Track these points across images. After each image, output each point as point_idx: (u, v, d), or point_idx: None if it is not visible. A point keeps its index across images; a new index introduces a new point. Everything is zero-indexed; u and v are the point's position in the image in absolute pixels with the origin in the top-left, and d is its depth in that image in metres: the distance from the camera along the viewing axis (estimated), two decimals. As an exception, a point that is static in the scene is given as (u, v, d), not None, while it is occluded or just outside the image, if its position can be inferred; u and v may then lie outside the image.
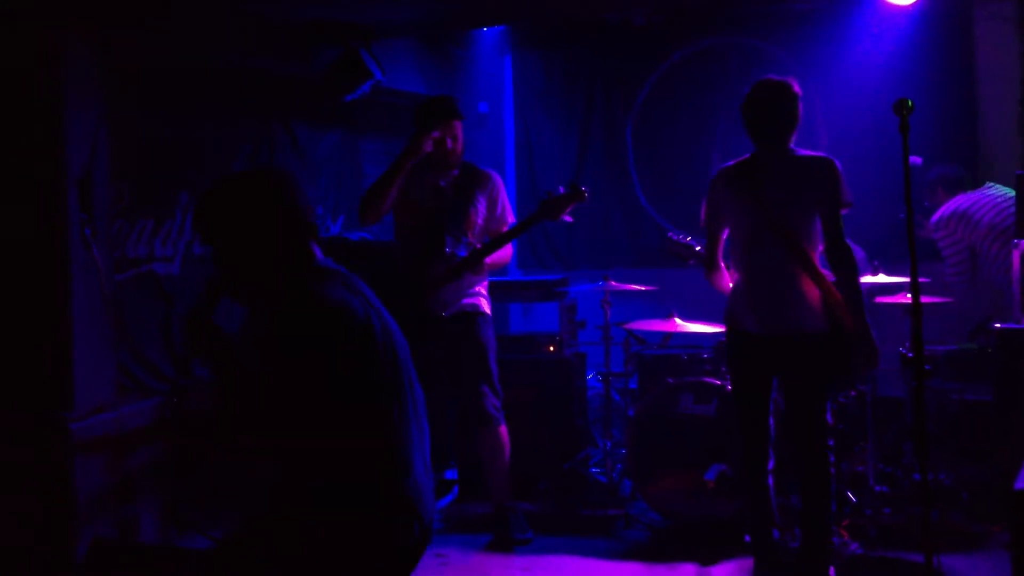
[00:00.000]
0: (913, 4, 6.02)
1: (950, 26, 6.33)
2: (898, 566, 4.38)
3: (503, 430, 4.83)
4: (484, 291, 4.99)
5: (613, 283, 5.51)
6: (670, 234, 4.78)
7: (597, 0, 6.08)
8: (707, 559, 4.52)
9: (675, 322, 5.24)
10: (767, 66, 6.56)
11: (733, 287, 4.23)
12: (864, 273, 5.00)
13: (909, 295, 4.49)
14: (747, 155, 4.18)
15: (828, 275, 4.03)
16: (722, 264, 4.33)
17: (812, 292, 4.00)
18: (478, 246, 4.82)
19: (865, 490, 4.82)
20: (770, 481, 4.17)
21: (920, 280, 3.56)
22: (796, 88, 4.06)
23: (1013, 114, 6.30)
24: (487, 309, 4.96)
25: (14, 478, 4.29)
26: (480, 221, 4.90)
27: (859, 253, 5.30)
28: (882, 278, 5.01)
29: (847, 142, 6.42)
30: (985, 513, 4.80)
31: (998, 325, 4.80)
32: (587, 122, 7.39)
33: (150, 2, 4.72)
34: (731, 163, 4.21)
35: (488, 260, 4.81)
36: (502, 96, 7.72)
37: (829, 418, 4.08)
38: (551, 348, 5.78)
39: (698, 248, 4.58)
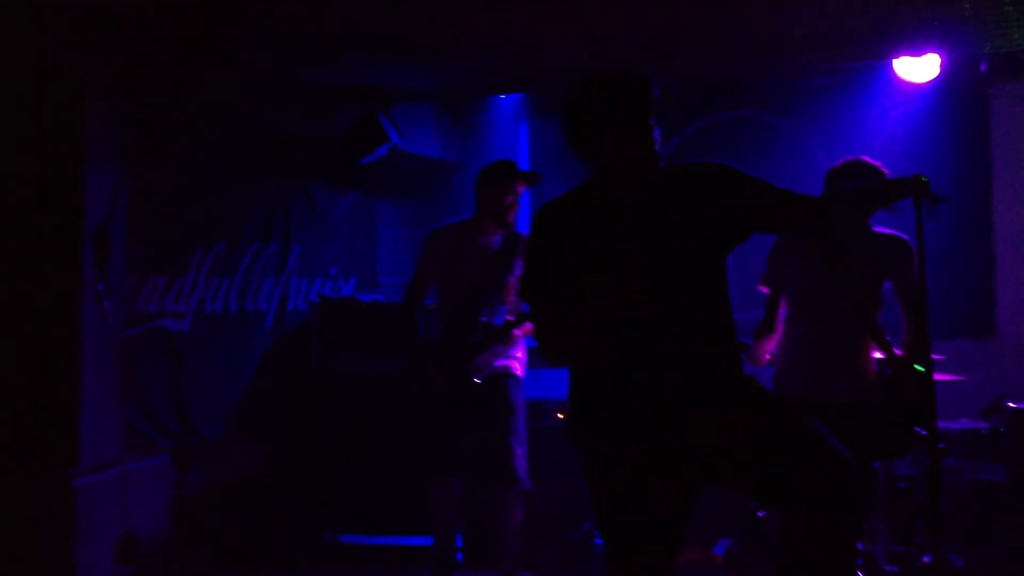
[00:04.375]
0: (928, 82, 6.05)
1: (965, 104, 6.34)
2: (909, 649, 4.30)
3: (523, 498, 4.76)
4: (520, 355, 4.91)
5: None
6: None
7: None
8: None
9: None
10: (781, 140, 6.62)
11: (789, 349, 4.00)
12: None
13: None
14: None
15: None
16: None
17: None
18: (511, 318, 4.79)
19: (877, 570, 4.73)
20: None
21: (933, 357, 3.53)
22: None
23: (1028, 190, 6.31)
24: (519, 372, 4.90)
25: (16, 535, 4.26)
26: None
27: None
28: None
29: (861, 216, 6.43)
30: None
31: (1012, 404, 4.75)
32: (602, 190, 7.41)
33: (173, 62, 4.78)
34: None
35: (518, 332, 4.78)
36: (518, 162, 7.76)
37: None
38: (559, 415, 5.74)
39: None
